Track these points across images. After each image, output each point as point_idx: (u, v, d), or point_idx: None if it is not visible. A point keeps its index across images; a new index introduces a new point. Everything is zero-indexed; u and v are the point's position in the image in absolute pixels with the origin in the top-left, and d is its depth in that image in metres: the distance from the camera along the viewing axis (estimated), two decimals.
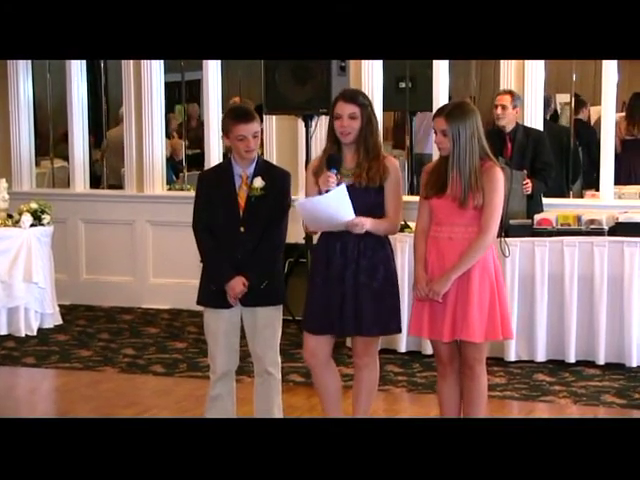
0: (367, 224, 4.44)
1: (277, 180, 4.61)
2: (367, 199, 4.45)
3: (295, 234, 4.78)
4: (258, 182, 4.55)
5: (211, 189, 4.63)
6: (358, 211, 4.41)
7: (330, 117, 4.58)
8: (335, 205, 4.38)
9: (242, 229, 4.56)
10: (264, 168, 4.65)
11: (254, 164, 4.60)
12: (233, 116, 4.58)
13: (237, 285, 4.52)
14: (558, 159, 7.54)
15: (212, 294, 4.61)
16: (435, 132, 4.46)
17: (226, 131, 4.59)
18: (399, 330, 4.67)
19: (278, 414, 4.71)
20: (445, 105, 4.62)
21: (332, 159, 4.49)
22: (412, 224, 5.30)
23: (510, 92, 7.15)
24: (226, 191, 4.58)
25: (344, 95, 4.56)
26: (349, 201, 4.36)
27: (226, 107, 8.76)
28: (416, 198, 4.71)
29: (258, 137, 4.57)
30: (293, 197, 4.69)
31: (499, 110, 7.05)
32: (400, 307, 4.65)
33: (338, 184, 4.41)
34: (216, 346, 4.67)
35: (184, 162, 9.45)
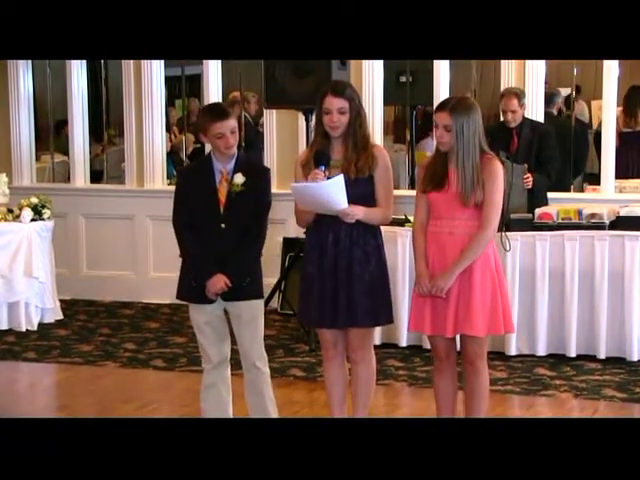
0: (359, 214, 4.44)
1: (257, 176, 4.60)
2: (357, 190, 4.43)
3: (296, 229, 4.77)
4: (239, 178, 4.54)
5: (191, 185, 4.64)
6: (349, 202, 4.40)
7: (318, 110, 4.56)
8: (330, 194, 4.37)
9: (223, 225, 4.55)
10: (244, 164, 4.62)
11: (234, 160, 4.58)
12: (209, 115, 4.56)
13: (218, 282, 4.52)
14: (562, 153, 7.53)
15: (191, 290, 4.62)
16: (436, 127, 4.44)
17: (203, 130, 4.57)
18: (391, 321, 4.67)
19: (272, 407, 4.71)
20: (448, 99, 4.58)
21: (320, 156, 4.48)
22: (413, 218, 5.29)
23: (515, 93, 7.07)
24: (206, 187, 4.57)
25: (332, 89, 4.53)
26: (344, 192, 4.36)
27: (227, 101, 8.77)
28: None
29: (236, 133, 4.55)
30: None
31: (509, 116, 7.01)
32: (391, 298, 4.65)
33: (328, 179, 4.41)
34: (205, 338, 4.68)
35: (184, 157, 9.45)
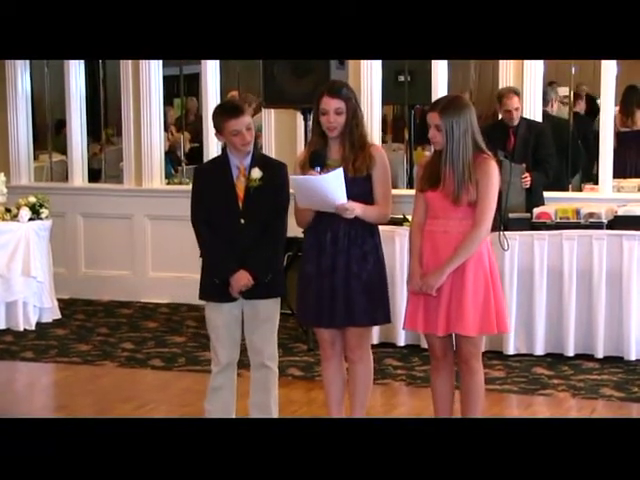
0: (357, 210, 4.44)
1: (274, 171, 4.62)
2: (355, 189, 4.44)
3: (294, 228, 4.77)
4: (256, 173, 4.55)
5: (209, 182, 4.63)
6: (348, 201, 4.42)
7: (315, 111, 4.57)
8: (330, 187, 4.38)
9: (242, 221, 4.56)
10: (261, 160, 4.66)
11: (250, 155, 4.60)
12: (224, 113, 4.57)
13: (242, 278, 4.52)
14: (559, 152, 7.55)
15: (214, 289, 4.61)
16: (429, 126, 4.45)
17: (219, 128, 4.57)
18: (389, 320, 4.69)
19: (274, 407, 4.72)
20: (439, 99, 4.60)
21: (315, 157, 4.49)
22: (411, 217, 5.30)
23: (514, 91, 7.13)
24: (224, 183, 4.58)
25: (329, 90, 4.54)
26: (344, 186, 4.37)
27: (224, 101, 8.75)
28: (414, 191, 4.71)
29: (252, 129, 4.56)
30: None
31: (513, 114, 7.05)
32: (388, 297, 4.66)
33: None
34: (218, 340, 4.68)
35: (182, 156, 9.45)
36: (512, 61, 7.58)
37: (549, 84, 7.98)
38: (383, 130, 8.76)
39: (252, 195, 4.55)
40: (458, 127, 4.34)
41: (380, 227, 4.68)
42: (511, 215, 6.47)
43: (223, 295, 4.59)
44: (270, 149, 8.19)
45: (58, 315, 7.95)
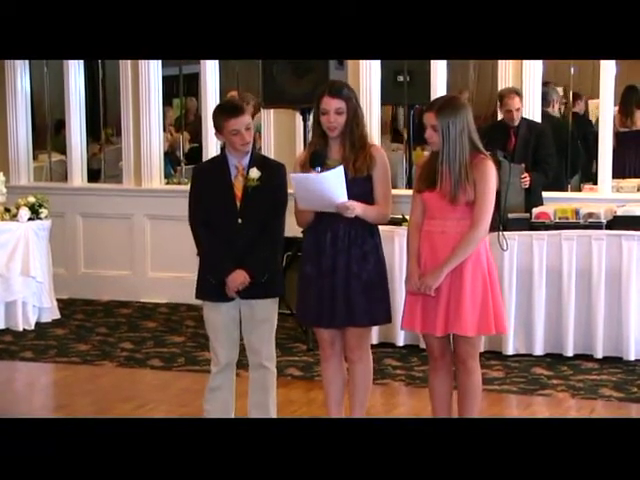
0: (357, 209, 4.45)
1: (273, 172, 4.62)
2: (355, 190, 4.45)
3: (294, 228, 4.78)
4: (254, 172, 4.55)
5: (207, 182, 4.63)
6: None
7: (315, 111, 4.58)
8: (330, 185, 4.38)
9: (240, 220, 4.56)
10: (259, 160, 4.67)
11: (249, 155, 4.61)
12: (223, 112, 4.57)
13: (238, 277, 4.52)
14: (558, 152, 7.55)
15: (211, 288, 4.61)
16: (426, 127, 4.45)
17: (219, 128, 4.58)
18: (389, 320, 4.70)
19: (272, 408, 4.72)
20: (436, 100, 4.61)
21: (315, 157, 4.50)
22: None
23: (516, 92, 7.14)
24: (222, 183, 4.58)
25: (329, 90, 4.55)
26: (344, 184, 4.37)
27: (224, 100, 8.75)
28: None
29: (251, 129, 4.57)
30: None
31: (514, 114, 7.06)
32: (389, 297, 4.66)
33: None
34: (217, 340, 4.68)
35: (181, 156, 9.45)
36: (511, 61, 7.59)
37: (544, 84, 7.98)
38: (382, 130, 8.72)
39: (250, 195, 4.56)
40: (454, 127, 4.34)
41: (380, 227, 4.69)
42: (510, 215, 6.47)
43: (220, 295, 4.59)
44: (269, 149, 8.19)
45: (57, 315, 7.96)
